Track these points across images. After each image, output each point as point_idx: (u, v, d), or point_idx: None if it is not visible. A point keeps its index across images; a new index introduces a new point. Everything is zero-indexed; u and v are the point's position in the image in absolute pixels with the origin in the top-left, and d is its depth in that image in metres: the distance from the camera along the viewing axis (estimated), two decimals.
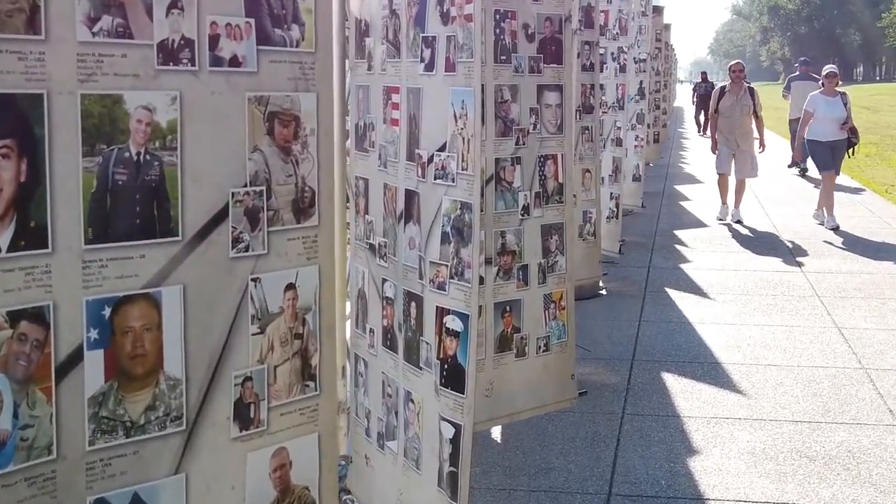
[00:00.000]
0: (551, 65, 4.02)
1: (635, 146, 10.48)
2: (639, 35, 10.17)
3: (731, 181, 11.87)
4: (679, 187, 15.83)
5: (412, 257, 2.74)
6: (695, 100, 28.23)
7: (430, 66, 2.61)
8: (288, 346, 2.32)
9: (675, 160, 20.43)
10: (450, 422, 2.53)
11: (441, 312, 2.56)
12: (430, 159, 2.61)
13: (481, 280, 3.83)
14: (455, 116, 2.49)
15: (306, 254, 2.28)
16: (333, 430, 2.40)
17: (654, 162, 17.43)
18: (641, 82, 10.40)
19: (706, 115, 27.88)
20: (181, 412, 2.22)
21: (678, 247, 10.44)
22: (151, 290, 2.14)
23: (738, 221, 11.67)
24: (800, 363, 6.26)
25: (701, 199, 14.26)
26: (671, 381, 5.93)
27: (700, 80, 28.11)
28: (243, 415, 2.37)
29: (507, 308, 3.96)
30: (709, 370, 6.13)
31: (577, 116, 6.82)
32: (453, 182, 2.51)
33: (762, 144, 11.77)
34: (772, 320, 7.35)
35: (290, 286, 2.31)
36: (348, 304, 3.27)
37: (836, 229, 11.19)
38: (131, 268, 2.09)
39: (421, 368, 2.69)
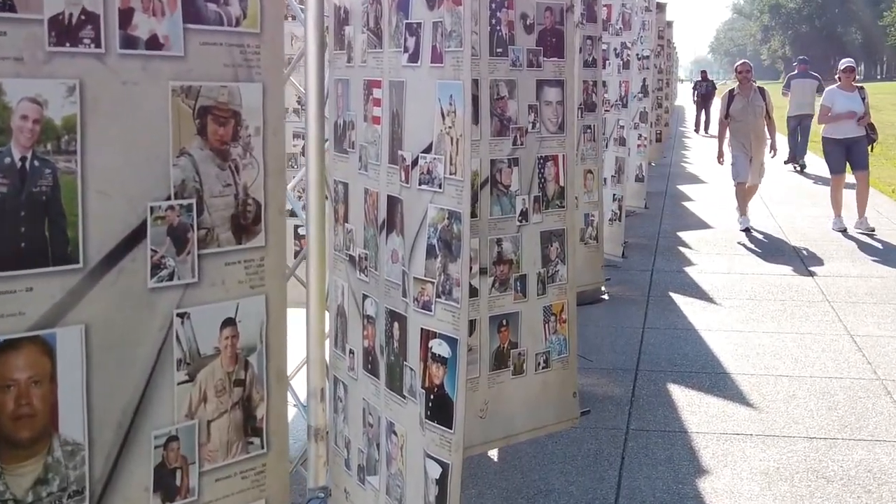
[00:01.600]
0: (552, 58, 3.71)
1: (638, 145, 10.17)
2: (642, 31, 9.86)
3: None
4: (682, 187, 15.56)
5: (395, 272, 2.43)
6: (696, 98, 27.90)
7: (414, 57, 2.31)
8: (225, 395, 1.88)
9: (677, 159, 20.15)
10: (436, 460, 2.23)
11: (426, 335, 2.26)
12: (415, 162, 2.30)
13: (476, 292, 3.53)
14: (442, 113, 2.19)
15: (249, 281, 1.85)
16: (285, 495, 2.04)
17: (656, 161, 17.16)
18: (644, 80, 10.08)
19: (707, 114, 27.65)
20: (82, 485, 1.77)
21: (682, 249, 10.15)
22: (42, 331, 1.68)
23: (747, 230, 11.19)
24: (812, 374, 5.97)
25: (704, 199, 14.00)
26: (677, 392, 5.64)
27: (700, 78, 27.78)
28: (167, 484, 1.90)
29: (504, 322, 3.65)
30: (717, 381, 5.84)
31: (579, 115, 6.53)
32: (440, 188, 2.21)
33: (773, 149, 11.27)
34: (781, 327, 7.06)
35: (229, 322, 1.88)
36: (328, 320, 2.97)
37: (843, 231, 10.88)
38: (14, 305, 1.63)
39: (405, 397, 2.39)
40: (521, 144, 3.63)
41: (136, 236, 1.81)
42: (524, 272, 3.68)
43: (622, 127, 8.66)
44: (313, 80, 2.85)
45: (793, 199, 13.80)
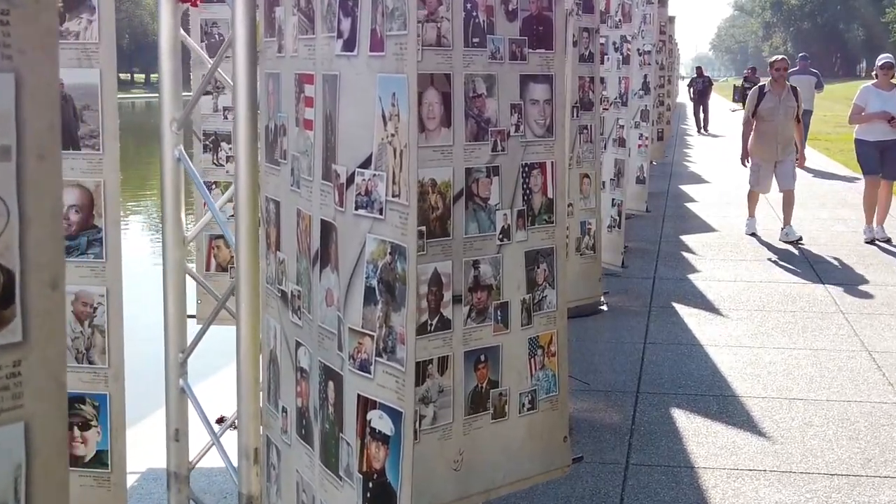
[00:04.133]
0: (538, 50, 3.19)
1: (639, 145, 9.64)
2: (643, 24, 9.33)
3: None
4: (684, 187, 15.06)
5: (330, 318, 1.92)
6: (692, 96, 27.42)
7: (349, 44, 1.80)
8: None
9: (679, 158, 19.63)
10: None
11: (364, 404, 1.74)
12: (351, 179, 1.79)
13: (448, 324, 3.01)
14: (384, 117, 1.68)
15: None
16: None
17: (657, 161, 16.64)
18: (646, 76, 9.55)
19: (705, 112, 27.12)
20: None
21: (685, 254, 9.64)
22: None
23: (799, 240, 10.09)
24: (829, 397, 5.46)
25: (707, 200, 13.51)
26: (682, 419, 5.13)
27: (696, 75, 27.37)
28: None
29: (482, 358, 3.13)
30: (725, 406, 5.33)
31: (575, 114, 6.01)
32: (380, 214, 1.70)
33: (802, 157, 10.47)
34: (793, 342, 6.55)
35: None
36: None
37: (872, 241, 9.99)
38: None
39: (341, 478, 1.88)
40: (503, 150, 3.10)
41: None
42: (506, 299, 3.15)
43: (622, 127, 8.13)
44: (243, 74, 2.34)
45: (799, 201, 13.25)
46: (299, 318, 2.10)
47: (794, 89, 10.04)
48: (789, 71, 17.88)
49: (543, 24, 3.20)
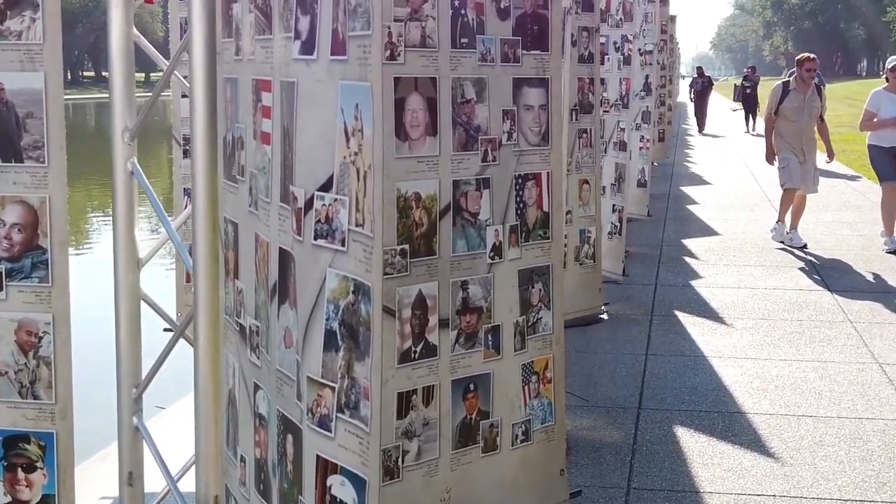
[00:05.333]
0: (533, 51, 2.92)
1: (640, 148, 9.39)
2: (644, 23, 9.08)
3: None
4: (685, 189, 14.83)
5: (289, 361, 1.67)
6: (692, 97, 27.34)
7: (308, 46, 1.55)
8: None
9: (680, 159, 19.39)
10: None
11: (324, 467, 1.49)
12: (309, 203, 1.54)
13: (434, 350, 2.75)
14: (346, 132, 1.43)
15: None
16: None
17: (658, 161, 16.40)
18: (647, 76, 9.29)
19: (703, 111, 26.97)
20: None
21: (687, 259, 9.40)
22: None
23: (804, 247, 9.73)
24: (839, 413, 5.21)
25: (709, 202, 13.29)
26: (686, 438, 4.88)
27: (696, 75, 27.27)
28: None
29: (471, 386, 2.88)
30: (731, 423, 5.09)
31: (574, 117, 5.77)
32: (342, 245, 1.45)
33: (831, 154, 10.11)
34: (800, 354, 6.30)
35: None
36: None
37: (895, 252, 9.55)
38: None
39: None
40: (493, 160, 2.84)
41: None
42: (497, 322, 2.89)
43: (623, 129, 7.88)
44: (200, 78, 2.09)
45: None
46: (258, 358, 1.85)
47: (818, 89, 9.63)
48: (790, 71, 17.67)
49: (539, 24, 2.94)
